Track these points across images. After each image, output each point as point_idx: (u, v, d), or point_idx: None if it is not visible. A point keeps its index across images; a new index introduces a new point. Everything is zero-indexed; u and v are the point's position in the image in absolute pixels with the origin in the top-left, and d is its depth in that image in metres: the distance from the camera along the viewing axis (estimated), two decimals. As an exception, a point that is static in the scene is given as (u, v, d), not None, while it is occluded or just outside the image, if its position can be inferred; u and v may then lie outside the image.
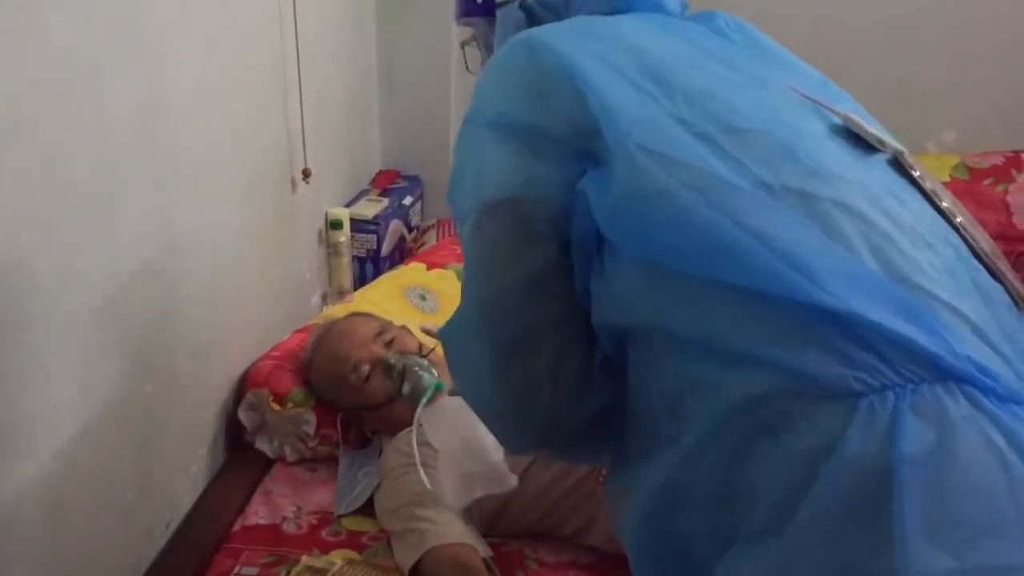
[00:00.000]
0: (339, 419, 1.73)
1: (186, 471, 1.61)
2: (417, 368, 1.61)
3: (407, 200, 2.64)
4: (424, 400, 1.56)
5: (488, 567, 1.49)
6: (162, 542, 1.52)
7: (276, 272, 1.97)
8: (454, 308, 2.17)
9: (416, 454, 1.50)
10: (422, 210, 2.81)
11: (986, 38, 2.55)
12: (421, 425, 1.55)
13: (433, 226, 2.64)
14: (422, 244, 2.52)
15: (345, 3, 2.38)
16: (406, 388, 1.60)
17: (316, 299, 2.22)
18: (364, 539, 1.58)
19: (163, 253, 1.46)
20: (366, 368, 1.66)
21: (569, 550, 1.59)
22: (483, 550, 1.52)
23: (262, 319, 1.90)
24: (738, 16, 1.06)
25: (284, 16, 1.88)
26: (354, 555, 1.54)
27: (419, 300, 2.02)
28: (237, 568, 1.48)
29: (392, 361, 1.64)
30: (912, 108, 2.63)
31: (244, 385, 1.75)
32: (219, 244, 1.67)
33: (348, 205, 2.44)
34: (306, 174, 2.00)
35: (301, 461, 1.76)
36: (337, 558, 1.51)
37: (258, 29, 1.81)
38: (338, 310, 1.92)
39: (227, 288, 1.71)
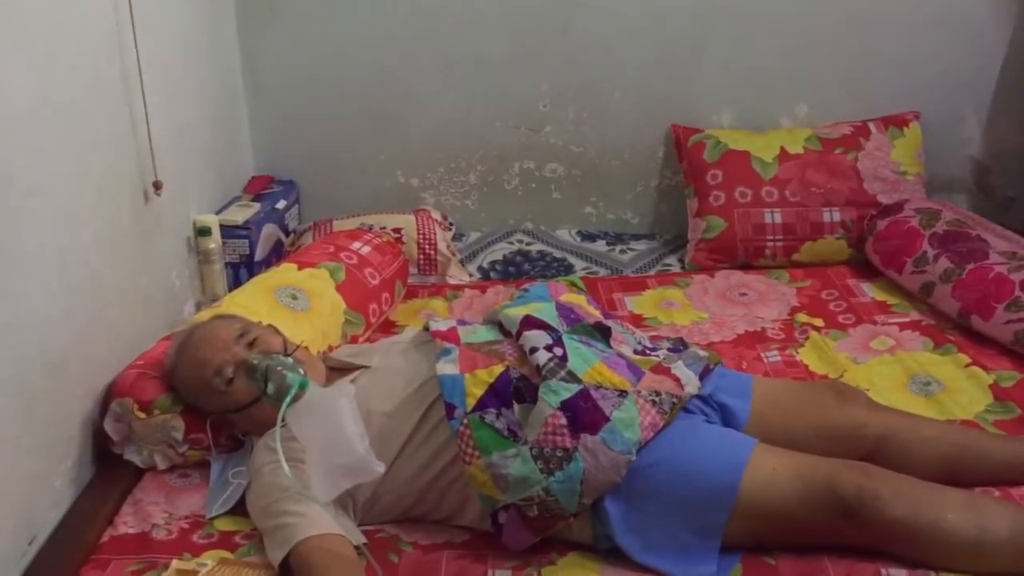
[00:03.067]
0: (208, 423, 1.73)
1: (49, 486, 1.58)
2: (280, 367, 1.62)
3: (281, 204, 2.63)
4: (288, 399, 1.57)
5: (361, 553, 1.51)
6: (26, 560, 1.49)
7: (139, 283, 1.95)
8: (325, 305, 2.18)
9: (280, 450, 1.52)
10: (299, 213, 2.81)
11: (829, 20, 2.68)
12: (285, 423, 1.56)
13: (310, 228, 2.64)
14: (299, 247, 2.53)
15: (194, 7, 2.36)
16: (270, 388, 1.61)
17: (190, 307, 2.21)
18: (237, 538, 1.58)
19: (3, 270, 1.44)
20: (229, 371, 1.66)
21: (443, 532, 1.62)
22: (355, 538, 1.54)
23: (129, 330, 1.88)
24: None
25: (122, 27, 1.87)
26: (227, 555, 1.54)
27: (290, 300, 2.03)
28: (104, 577, 1.47)
29: (255, 362, 1.64)
30: (766, 87, 2.75)
31: (109, 396, 1.74)
32: (68, 258, 1.65)
33: (219, 212, 2.43)
34: (157, 186, 1.98)
35: (173, 468, 1.75)
36: (209, 559, 1.51)
37: (94, 42, 1.79)
38: (203, 315, 1.91)
39: (82, 301, 1.70)
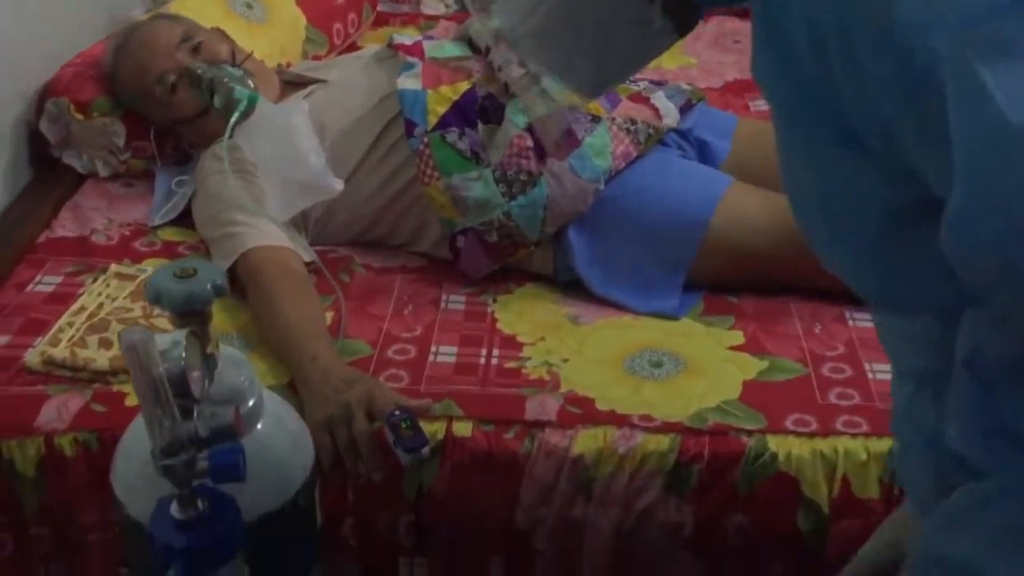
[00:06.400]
0: (152, 132, 1.62)
1: (-20, 184, 1.50)
2: (227, 79, 1.49)
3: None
4: (237, 115, 1.45)
5: (313, 268, 1.45)
6: (-43, 253, 1.42)
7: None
8: (284, 18, 2.00)
9: (226, 160, 1.42)
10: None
11: None
12: (233, 138, 1.46)
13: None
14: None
15: None
16: (217, 101, 1.49)
17: (138, 12, 2.03)
18: (181, 248, 1.52)
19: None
20: (171, 78, 1.54)
21: (398, 256, 1.56)
22: (306, 255, 1.47)
23: (65, 27, 1.73)
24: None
25: None
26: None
27: (245, 9, 1.86)
28: (39, 277, 1.41)
29: (199, 71, 1.51)
30: None
31: (44, 95, 1.61)
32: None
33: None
34: None
35: (115, 176, 1.66)
36: (150, 266, 1.45)
37: None
38: (145, 16, 1.76)
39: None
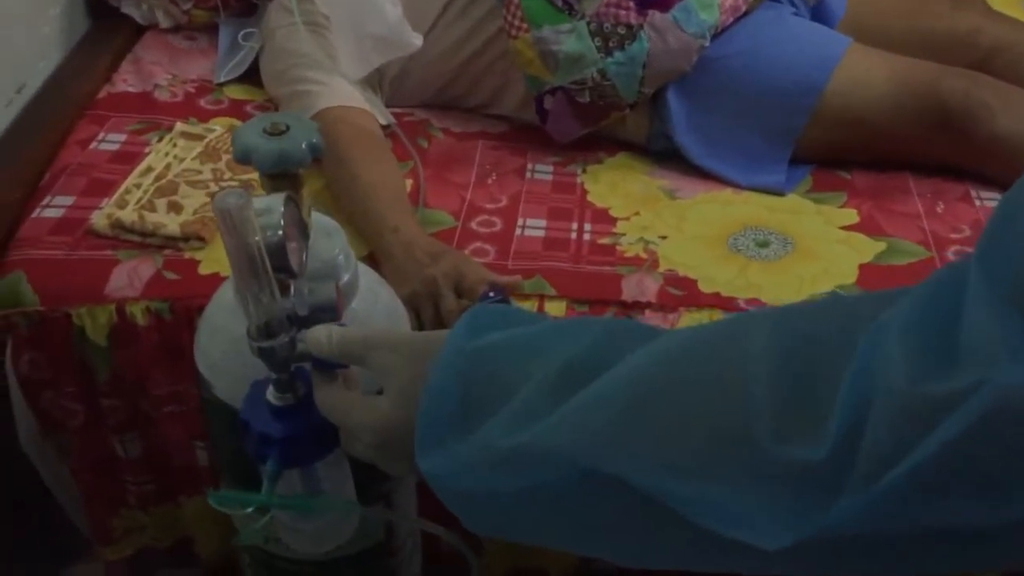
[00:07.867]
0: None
1: (35, 33, 1.39)
2: None
3: None
4: None
5: (390, 132, 1.35)
6: (14, 109, 1.33)
7: None
8: None
9: (296, 11, 1.30)
10: None
11: None
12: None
13: None
14: None
15: None
16: (285, -59, 1.36)
17: None
18: (248, 108, 1.42)
19: None
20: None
21: (478, 121, 1.45)
22: (383, 117, 1.37)
23: None
24: None
25: None
26: (237, 124, 1.38)
27: None
28: (102, 135, 1.33)
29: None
30: None
31: (99, -63, 1.49)
32: None
33: None
34: None
35: (177, 29, 1.55)
36: (217, 126, 1.36)
37: None
38: None
39: None
